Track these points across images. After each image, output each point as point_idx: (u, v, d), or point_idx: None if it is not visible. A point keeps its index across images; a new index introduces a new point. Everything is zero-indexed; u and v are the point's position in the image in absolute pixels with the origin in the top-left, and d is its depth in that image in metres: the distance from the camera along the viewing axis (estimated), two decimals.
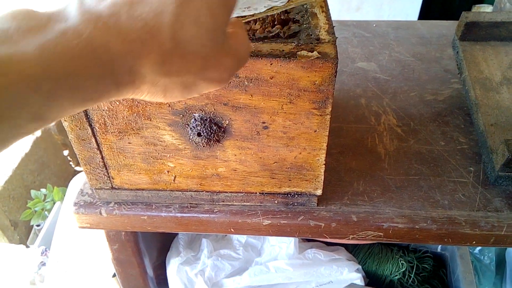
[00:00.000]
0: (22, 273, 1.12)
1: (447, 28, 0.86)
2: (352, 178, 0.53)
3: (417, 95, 0.67)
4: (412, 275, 0.74)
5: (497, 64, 0.61)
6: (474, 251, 0.87)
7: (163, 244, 0.69)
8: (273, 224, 0.50)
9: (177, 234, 0.71)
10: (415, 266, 0.75)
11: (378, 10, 2.06)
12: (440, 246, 0.82)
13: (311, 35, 0.39)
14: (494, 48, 0.63)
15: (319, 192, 0.48)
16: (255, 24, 0.42)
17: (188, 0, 0.23)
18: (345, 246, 0.74)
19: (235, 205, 0.50)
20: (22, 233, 1.70)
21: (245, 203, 0.50)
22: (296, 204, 0.50)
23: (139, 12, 0.23)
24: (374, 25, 0.87)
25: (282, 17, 0.42)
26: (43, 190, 1.67)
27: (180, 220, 0.51)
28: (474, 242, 0.50)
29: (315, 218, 0.49)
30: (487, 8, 2.47)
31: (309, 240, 0.73)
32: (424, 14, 2.04)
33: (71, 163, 2.16)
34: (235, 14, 0.34)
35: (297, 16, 0.42)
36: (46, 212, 1.64)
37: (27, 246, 1.25)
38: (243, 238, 0.70)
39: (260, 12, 0.36)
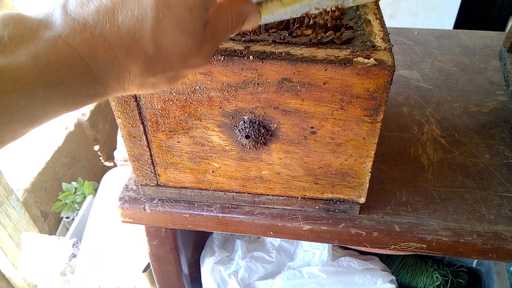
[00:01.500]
0: (53, 263, 1.16)
1: (491, 39, 0.84)
2: (394, 188, 0.53)
3: (461, 106, 0.66)
4: None
5: None
6: (511, 268, 0.84)
7: (197, 242, 0.70)
8: (313, 230, 0.50)
9: (211, 233, 0.72)
10: (449, 280, 0.74)
11: (413, 18, 2.04)
12: (475, 261, 0.80)
13: (366, 42, 0.39)
14: None
15: (362, 200, 0.48)
16: (306, 29, 0.42)
17: (168, 6, 0.24)
18: (379, 256, 0.73)
19: (276, 208, 0.51)
20: (52, 224, 1.75)
21: (285, 207, 0.50)
22: (337, 211, 0.49)
23: (122, 20, 0.23)
24: (416, 33, 0.86)
25: (335, 22, 0.42)
26: (74, 184, 1.72)
27: (221, 220, 0.51)
28: None
29: (356, 226, 0.49)
30: None
31: (341, 247, 0.73)
32: (460, 23, 2.00)
33: (100, 158, 2.21)
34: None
35: (350, 23, 0.42)
36: (76, 205, 1.69)
37: (57, 237, 1.29)
38: (276, 241, 0.70)
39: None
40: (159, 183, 0.50)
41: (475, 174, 0.54)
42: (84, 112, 2.07)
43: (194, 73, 0.39)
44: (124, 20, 0.24)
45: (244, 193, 0.49)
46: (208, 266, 0.65)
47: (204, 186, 0.49)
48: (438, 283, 0.72)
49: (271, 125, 0.42)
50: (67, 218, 1.68)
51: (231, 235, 0.72)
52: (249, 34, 0.40)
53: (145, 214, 0.52)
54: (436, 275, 0.73)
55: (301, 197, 0.49)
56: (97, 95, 0.24)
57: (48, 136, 1.84)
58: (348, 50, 0.37)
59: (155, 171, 0.48)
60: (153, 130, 0.44)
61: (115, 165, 2.20)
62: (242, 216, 0.51)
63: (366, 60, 0.36)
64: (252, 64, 0.37)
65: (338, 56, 0.37)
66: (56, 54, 0.22)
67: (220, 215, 0.51)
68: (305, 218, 0.50)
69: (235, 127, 0.43)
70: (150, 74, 0.26)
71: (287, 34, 0.40)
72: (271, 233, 0.51)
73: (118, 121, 0.44)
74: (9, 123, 0.21)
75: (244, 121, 0.42)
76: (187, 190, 0.50)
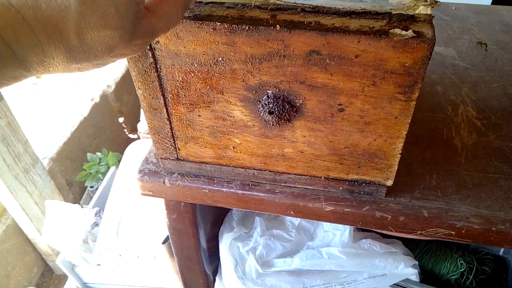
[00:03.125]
0: (76, 231, 1.18)
1: None
2: (424, 171, 0.50)
3: (499, 86, 0.62)
4: (471, 277, 0.70)
5: None
6: None
7: (216, 217, 0.69)
8: (336, 211, 0.48)
9: (230, 209, 0.71)
10: (474, 267, 0.71)
11: None
12: (503, 249, 0.77)
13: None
14: None
15: (389, 182, 0.45)
16: None
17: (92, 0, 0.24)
18: (402, 239, 0.71)
19: (298, 187, 0.49)
20: (76, 193, 1.79)
21: (307, 187, 0.49)
22: (362, 192, 0.47)
23: (46, 6, 0.23)
24: (454, 8, 0.81)
25: None
26: (99, 154, 1.74)
27: (241, 197, 0.50)
28: None
29: (382, 209, 0.47)
30: None
31: (363, 230, 0.71)
32: None
33: (125, 130, 2.24)
34: None
35: None
36: (100, 175, 1.72)
37: (81, 206, 1.32)
38: (296, 220, 0.69)
39: None
40: (179, 157, 0.49)
41: (511, 160, 0.51)
42: (109, 84, 2.08)
43: (216, 44, 0.37)
44: (48, 7, 0.23)
45: (265, 170, 0.48)
46: (226, 242, 0.64)
47: (224, 162, 0.48)
48: (462, 270, 0.70)
49: (296, 101, 0.40)
50: (91, 187, 1.72)
51: (250, 211, 0.71)
52: None
53: (164, 188, 0.51)
54: (461, 261, 0.71)
55: (324, 177, 0.47)
56: (23, 76, 0.25)
57: (74, 106, 1.86)
58: (384, 20, 0.34)
59: (175, 144, 0.47)
60: (173, 103, 0.43)
61: (138, 138, 2.22)
62: (263, 194, 0.49)
63: (403, 32, 0.33)
64: (279, 34, 0.35)
65: (373, 27, 0.34)
66: None
67: (240, 192, 0.50)
68: (327, 198, 0.48)
69: (258, 102, 0.41)
70: (73, 61, 0.26)
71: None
72: (292, 212, 0.50)
73: (139, 92, 0.42)
74: None
75: (268, 96, 0.40)
76: (207, 165, 0.49)
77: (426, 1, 0.35)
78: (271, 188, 0.49)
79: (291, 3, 0.36)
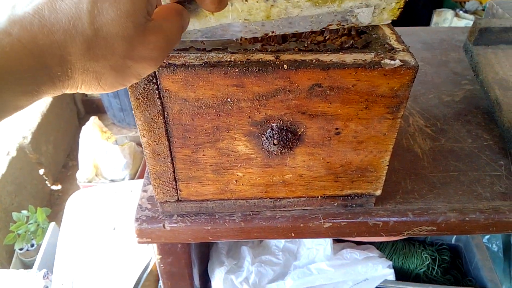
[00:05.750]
0: None
1: (444, 33, 0.92)
2: (398, 178, 0.56)
3: (435, 97, 0.72)
4: (436, 267, 0.78)
5: (509, 66, 0.67)
6: (483, 240, 0.93)
7: (203, 253, 0.69)
8: (334, 226, 0.52)
9: (215, 243, 0.71)
10: (437, 258, 0.80)
11: None
12: (454, 237, 0.87)
13: (385, 44, 0.41)
14: (504, 51, 0.69)
15: (378, 192, 0.51)
16: (316, 36, 0.44)
17: None
18: (373, 243, 0.77)
19: (296, 210, 0.52)
20: (3, 258, 1.62)
21: (306, 208, 0.52)
22: (354, 205, 0.52)
23: (60, 5, 0.25)
24: None
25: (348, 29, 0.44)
26: (25, 212, 1.61)
27: (243, 228, 0.52)
28: None
29: (374, 217, 0.52)
30: (447, 13, 2.63)
31: (339, 240, 0.76)
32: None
33: (47, 182, 2.08)
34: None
35: (363, 28, 0.45)
36: (30, 235, 1.58)
37: (26, 271, 1.20)
38: (280, 242, 0.71)
39: None
40: (179, 198, 0.49)
41: (464, 158, 0.60)
42: (25, 135, 1.94)
43: (226, 86, 0.39)
44: (61, 6, 0.25)
45: (266, 198, 0.50)
46: (219, 276, 0.65)
47: (226, 196, 0.50)
48: (428, 262, 0.78)
49: (297, 130, 0.44)
50: (20, 250, 1.57)
51: (235, 242, 0.72)
52: (271, 43, 0.41)
53: (164, 232, 0.51)
54: (425, 255, 0.79)
55: (321, 196, 0.51)
56: (43, 84, 0.25)
57: None
58: (372, 53, 0.40)
59: (176, 187, 0.48)
60: (178, 146, 0.44)
61: (61, 188, 2.09)
62: (264, 222, 0.51)
63: (392, 62, 0.39)
64: (285, 73, 0.38)
65: (366, 60, 0.39)
66: None
67: (242, 223, 0.51)
68: (325, 216, 0.52)
69: (262, 135, 0.44)
70: (91, 57, 0.26)
71: (309, 42, 0.41)
72: (293, 234, 0.53)
73: (143, 140, 0.43)
74: None
75: (272, 129, 0.43)
76: (208, 202, 0.50)
77: None
78: (272, 215, 0.52)
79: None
